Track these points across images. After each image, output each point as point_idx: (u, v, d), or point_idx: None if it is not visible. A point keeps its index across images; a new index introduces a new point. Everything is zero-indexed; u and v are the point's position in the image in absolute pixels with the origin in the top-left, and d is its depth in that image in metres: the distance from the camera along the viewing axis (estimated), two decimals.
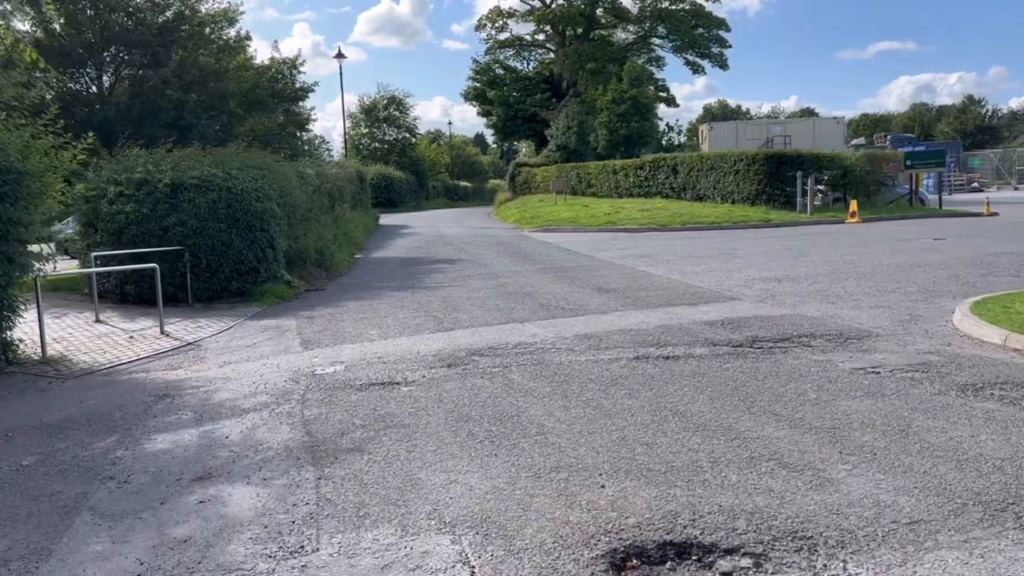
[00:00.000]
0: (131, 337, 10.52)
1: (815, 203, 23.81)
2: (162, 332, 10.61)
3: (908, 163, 25.38)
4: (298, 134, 27.32)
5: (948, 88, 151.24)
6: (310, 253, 15.84)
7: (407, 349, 8.31)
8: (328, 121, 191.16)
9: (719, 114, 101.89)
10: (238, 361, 8.45)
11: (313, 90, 25.78)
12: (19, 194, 8.51)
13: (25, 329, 9.16)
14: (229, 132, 21.07)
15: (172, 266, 12.88)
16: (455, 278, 14.49)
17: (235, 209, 13.34)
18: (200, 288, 13.10)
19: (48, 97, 16.02)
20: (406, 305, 11.52)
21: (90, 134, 10.53)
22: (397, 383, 6.87)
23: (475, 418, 5.64)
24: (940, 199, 25.60)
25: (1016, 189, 45.26)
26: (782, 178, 24.51)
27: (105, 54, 18.85)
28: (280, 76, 24.63)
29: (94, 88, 19.30)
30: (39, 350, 9.05)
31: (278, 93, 24.06)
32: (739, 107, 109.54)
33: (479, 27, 54.24)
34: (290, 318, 11.15)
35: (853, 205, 22.29)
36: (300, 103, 25.87)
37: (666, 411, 5.54)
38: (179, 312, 12.14)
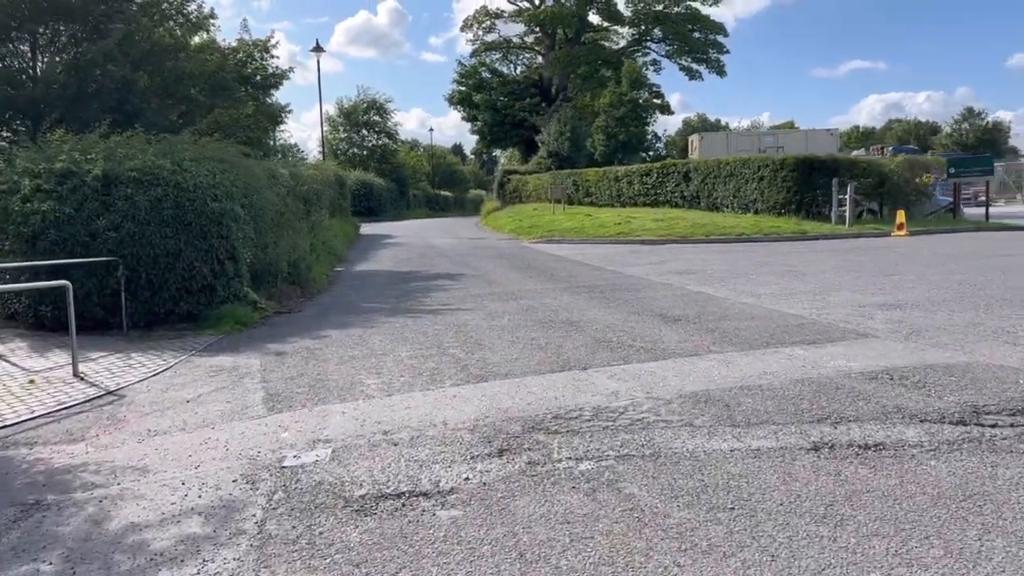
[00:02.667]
0: (31, 381, 7.58)
1: (842, 214, 21.27)
2: (75, 374, 7.68)
3: (952, 171, 22.99)
4: (271, 131, 24.21)
5: (917, 106, 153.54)
6: (281, 266, 12.91)
7: (427, 416, 5.45)
8: (304, 131, 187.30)
9: (700, 127, 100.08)
10: (169, 430, 5.56)
11: (288, 77, 22.78)
12: None
13: None
14: (190, 122, 18.06)
15: (101, 282, 10.00)
16: (463, 298, 11.64)
17: (185, 210, 10.48)
18: (138, 311, 10.17)
19: None
20: (409, 337, 8.65)
21: (9, 115, 7.67)
22: (427, 495, 4.01)
23: None
24: (987, 211, 23.20)
25: None
26: (814, 186, 21.99)
27: (41, 28, 15.80)
28: (249, 60, 21.54)
29: (24, 64, 16.26)
30: None
31: (247, 79, 20.92)
32: (718, 121, 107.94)
33: (465, 27, 51.54)
34: (253, 354, 8.25)
35: (900, 216, 19.79)
36: (272, 92, 22.80)
37: None
38: (108, 342, 9.25)
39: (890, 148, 50.06)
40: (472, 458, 4.54)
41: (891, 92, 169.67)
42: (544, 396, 5.81)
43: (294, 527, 3.72)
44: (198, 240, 10.57)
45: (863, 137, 73.26)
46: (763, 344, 7.31)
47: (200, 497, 4.22)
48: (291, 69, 23.13)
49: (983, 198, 44.82)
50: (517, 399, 5.78)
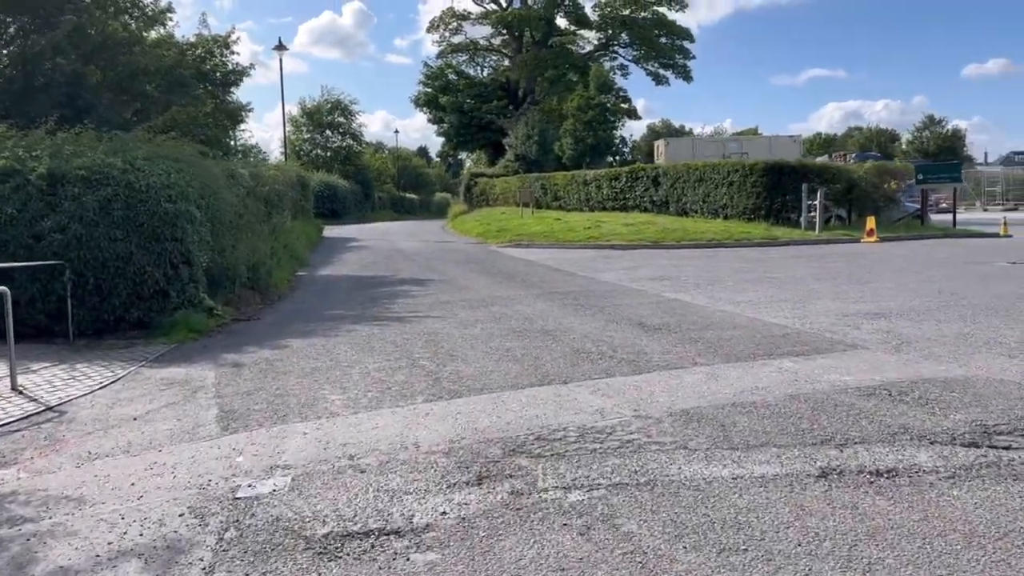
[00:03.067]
0: None
1: (811, 220, 21.21)
2: (14, 387, 7.08)
3: (920, 177, 23.08)
4: (231, 130, 23.35)
5: (875, 114, 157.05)
6: (240, 270, 12.32)
7: (397, 438, 4.99)
8: (266, 132, 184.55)
9: (665, 133, 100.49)
10: (112, 453, 5.03)
11: (248, 74, 21.88)
12: None
13: None
14: (145, 120, 17.28)
15: (46, 287, 9.41)
16: (433, 304, 11.17)
17: (137, 211, 9.91)
18: (85, 318, 9.55)
19: None
20: (376, 347, 8.17)
21: None
22: (399, 534, 3.56)
23: None
24: (955, 218, 23.33)
25: (985, 211, 44.08)
26: (783, 191, 21.91)
27: None
28: (209, 56, 20.69)
29: None
30: None
31: (205, 75, 20.07)
32: (682, 127, 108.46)
33: (431, 28, 50.99)
34: (208, 366, 7.71)
35: (871, 222, 19.76)
36: (232, 89, 21.93)
37: None
38: (52, 352, 8.66)
39: (853, 155, 50.62)
40: (449, 487, 4.09)
41: (850, 100, 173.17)
42: (524, 414, 5.38)
43: (247, 575, 3.24)
44: (150, 243, 10.00)
45: (825, 144, 74.16)
46: (750, 356, 6.98)
47: (141, 535, 3.72)
48: (252, 66, 22.40)
49: (944, 204, 45.54)
50: (495, 417, 5.34)
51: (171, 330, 9.82)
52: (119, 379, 7.36)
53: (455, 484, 4.13)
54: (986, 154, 65.03)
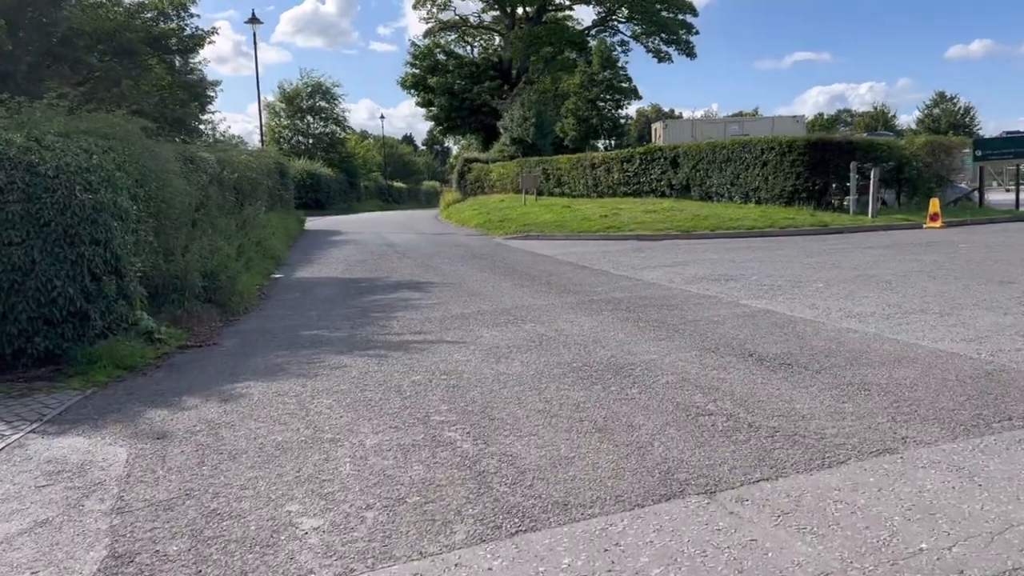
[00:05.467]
0: None
1: (861, 203, 18.65)
2: None
3: (978, 153, 20.52)
4: (194, 108, 20.19)
5: (859, 97, 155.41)
6: (193, 278, 9.58)
7: None
8: (249, 123, 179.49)
9: (656, 117, 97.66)
10: None
11: (210, 40, 18.72)
12: None
13: None
14: (92, 96, 14.44)
15: None
16: (444, 321, 8.50)
17: (42, 204, 7.31)
18: None
19: None
20: (374, 399, 5.51)
21: None
22: None
23: None
24: (1018, 199, 20.76)
25: (1008, 191, 41.71)
26: (827, 171, 19.31)
27: None
28: (162, 18, 17.61)
29: None
30: None
31: (157, 39, 16.95)
32: (672, 111, 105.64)
33: (418, 4, 47.83)
34: (122, 436, 5.08)
35: (934, 205, 17.20)
36: (192, 58, 18.76)
37: None
38: None
39: (864, 133, 48.20)
40: None
41: (835, 83, 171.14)
42: None
43: None
44: (61, 247, 7.36)
45: (827, 125, 71.61)
46: (976, 421, 4.36)
47: None
48: (214, 31, 19.24)
49: (963, 186, 43.10)
50: None
51: (91, 366, 7.18)
52: None
53: None
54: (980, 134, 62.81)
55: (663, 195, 23.96)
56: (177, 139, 19.78)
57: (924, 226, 17.11)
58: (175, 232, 10.11)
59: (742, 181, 20.98)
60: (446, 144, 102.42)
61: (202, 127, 24.98)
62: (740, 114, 78.82)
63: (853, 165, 18.63)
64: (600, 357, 6.40)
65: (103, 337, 7.66)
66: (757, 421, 4.55)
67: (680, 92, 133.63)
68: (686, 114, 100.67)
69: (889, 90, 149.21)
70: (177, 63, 18.24)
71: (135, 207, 8.73)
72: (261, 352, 7.63)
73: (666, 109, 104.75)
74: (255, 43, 39.68)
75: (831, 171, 19.27)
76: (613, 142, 46.98)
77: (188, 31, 17.73)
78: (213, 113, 27.85)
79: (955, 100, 63.03)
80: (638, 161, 25.34)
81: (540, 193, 29.31)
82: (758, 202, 20.38)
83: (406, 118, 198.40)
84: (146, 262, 8.94)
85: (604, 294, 9.88)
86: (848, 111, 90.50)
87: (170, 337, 8.41)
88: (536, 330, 7.73)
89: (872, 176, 18.07)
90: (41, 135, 7.88)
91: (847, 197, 19.43)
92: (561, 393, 5.37)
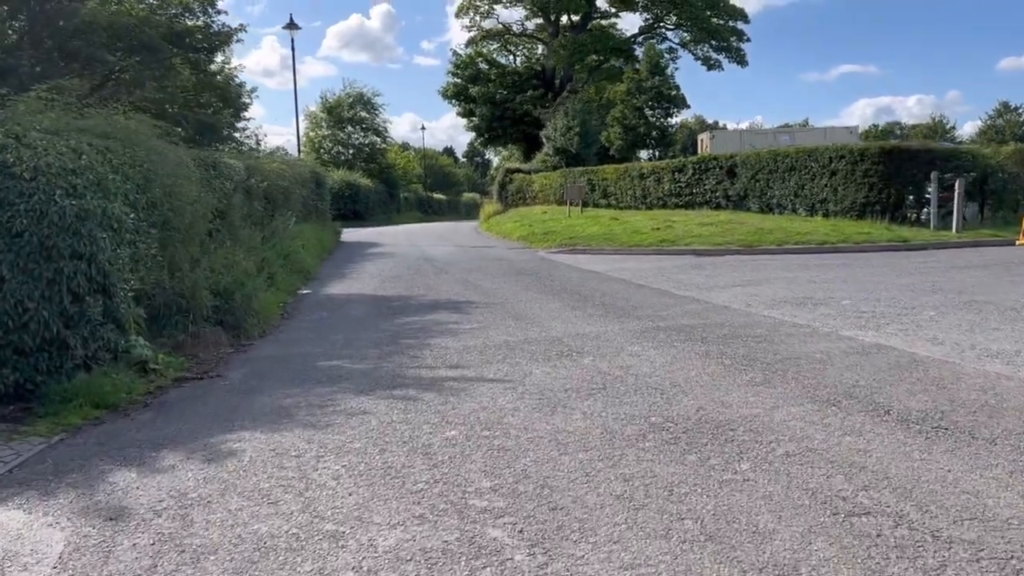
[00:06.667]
0: None
1: (941, 217, 16.92)
2: None
3: None
4: (225, 115, 19.13)
5: (907, 110, 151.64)
6: (201, 297, 8.41)
7: None
8: (294, 135, 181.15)
9: (699, 129, 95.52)
10: None
11: (238, 38, 17.49)
12: None
13: None
14: (114, 99, 13.45)
15: None
16: (485, 351, 7.18)
17: (13, 211, 6.24)
18: None
19: None
20: (396, 466, 4.22)
21: None
22: None
23: None
24: None
25: None
26: (904, 182, 17.65)
27: None
28: (186, 14, 16.49)
29: None
30: None
31: (179, 36, 15.80)
32: (716, 123, 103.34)
33: (460, 13, 46.93)
34: (69, 513, 3.86)
35: None
36: (216, 55, 17.51)
37: None
38: None
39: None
40: None
41: (881, 96, 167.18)
42: None
43: None
44: (36, 262, 6.26)
45: (881, 136, 69.01)
46: None
47: None
48: (242, 27, 17.91)
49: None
50: None
51: (65, 405, 6.02)
52: None
53: None
54: None
55: (718, 207, 22.45)
56: (213, 146, 18.88)
57: (1017, 242, 15.36)
58: (185, 244, 8.98)
59: (807, 192, 19.38)
60: (486, 156, 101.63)
61: (237, 135, 24.13)
62: (787, 126, 76.56)
63: (934, 175, 16.96)
64: (685, 409, 5.02)
65: (85, 368, 6.52)
66: (942, 529, 3.13)
67: (722, 105, 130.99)
68: (730, 126, 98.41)
69: (938, 102, 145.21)
70: (205, 64, 17.13)
71: (133, 215, 7.62)
72: (269, 388, 6.40)
73: (709, 121, 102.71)
74: (292, 48, 39.47)
75: (908, 182, 17.62)
76: (657, 153, 45.35)
77: (215, 28, 16.67)
78: (248, 120, 26.89)
79: (1019, 111, 60.07)
80: (691, 171, 23.86)
81: (585, 204, 27.95)
82: (825, 215, 18.77)
83: (447, 130, 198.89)
84: (146, 279, 7.82)
85: (671, 319, 8.48)
86: (898, 124, 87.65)
87: (167, 367, 7.24)
88: (597, 367, 6.37)
89: (957, 187, 16.37)
90: (24, 131, 6.79)
91: (924, 210, 17.76)
92: (644, 466, 4.01)
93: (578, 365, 6.49)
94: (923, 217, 17.65)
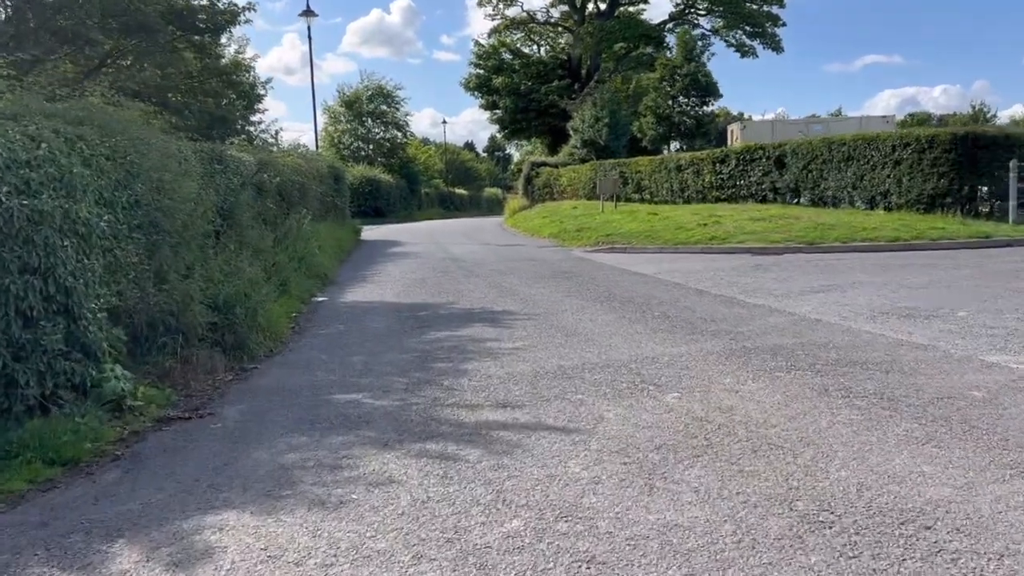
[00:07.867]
0: None
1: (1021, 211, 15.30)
2: None
3: None
4: (237, 106, 17.83)
5: (933, 100, 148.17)
6: (194, 313, 7.06)
7: None
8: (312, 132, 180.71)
9: (725, 121, 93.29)
10: None
11: (247, 18, 16.07)
12: None
13: None
14: (116, 88, 12.16)
15: None
16: (538, 381, 5.77)
17: None
18: None
19: None
20: None
21: None
22: None
23: None
24: None
25: None
26: (979, 172, 16.02)
27: None
28: None
29: None
30: None
31: (180, 15, 14.28)
32: (741, 114, 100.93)
33: (483, 1, 45.39)
34: None
35: None
36: (224, 36, 16.12)
37: None
38: None
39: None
40: None
41: (906, 87, 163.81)
42: None
43: None
44: None
45: (919, 124, 66.59)
46: None
47: None
48: (251, 6, 16.46)
49: None
50: None
51: (7, 462, 4.75)
52: None
53: None
54: None
55: (764, 200, 20.86)
56: (227, 140, 17.68)
57: None
58: (177, 249, 7.66)
59: (867, 183, 17.76)
60: (507, 150, 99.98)
61: (251, 129, 22.89)
62: (815, 116, 74.20)
63: (1013, 163, 15.32)
64: (838, 486, 3.58)
65: (42, 411, 5.23)
66: None
67: (746, 96, 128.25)
68: (755, 116, 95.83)
69: (964, 92, 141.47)
70: (211, 48, 15.74)
71: (109, 216, 6.30)
72: (269, 435, 5.05)
73: (735, 112, 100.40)
74: (309, 36, 38.33)
75: (983, 171, 15.97)
76: (688, 145, 43.69)
77: (220, 5, 15.21)
78: (263, 112, 25.62)
79: None
80: (734, 162, 22.28)
81: (617, 199, 26.43)
82: (887, 208, 17.16)
83: (467, 125, 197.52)
84: (127, 293, 6.50)
85: (756, 338, 7.02)
86: (928, 114, 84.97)
87: (149, 402, 5.92)
88: (688, 409, 4.94)
89: None
90: None
91: (998, 203, 16.13)
92: None
93: (662, 405, 5.06)
94: (996, 211, 16.01)
